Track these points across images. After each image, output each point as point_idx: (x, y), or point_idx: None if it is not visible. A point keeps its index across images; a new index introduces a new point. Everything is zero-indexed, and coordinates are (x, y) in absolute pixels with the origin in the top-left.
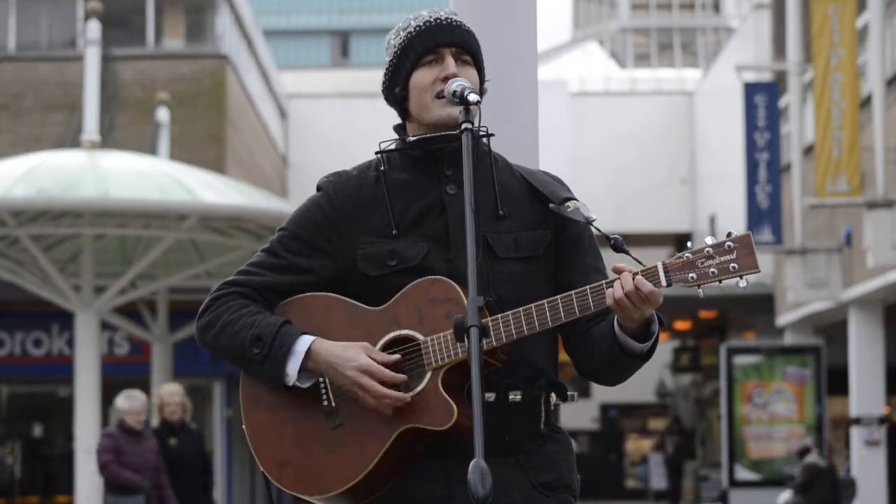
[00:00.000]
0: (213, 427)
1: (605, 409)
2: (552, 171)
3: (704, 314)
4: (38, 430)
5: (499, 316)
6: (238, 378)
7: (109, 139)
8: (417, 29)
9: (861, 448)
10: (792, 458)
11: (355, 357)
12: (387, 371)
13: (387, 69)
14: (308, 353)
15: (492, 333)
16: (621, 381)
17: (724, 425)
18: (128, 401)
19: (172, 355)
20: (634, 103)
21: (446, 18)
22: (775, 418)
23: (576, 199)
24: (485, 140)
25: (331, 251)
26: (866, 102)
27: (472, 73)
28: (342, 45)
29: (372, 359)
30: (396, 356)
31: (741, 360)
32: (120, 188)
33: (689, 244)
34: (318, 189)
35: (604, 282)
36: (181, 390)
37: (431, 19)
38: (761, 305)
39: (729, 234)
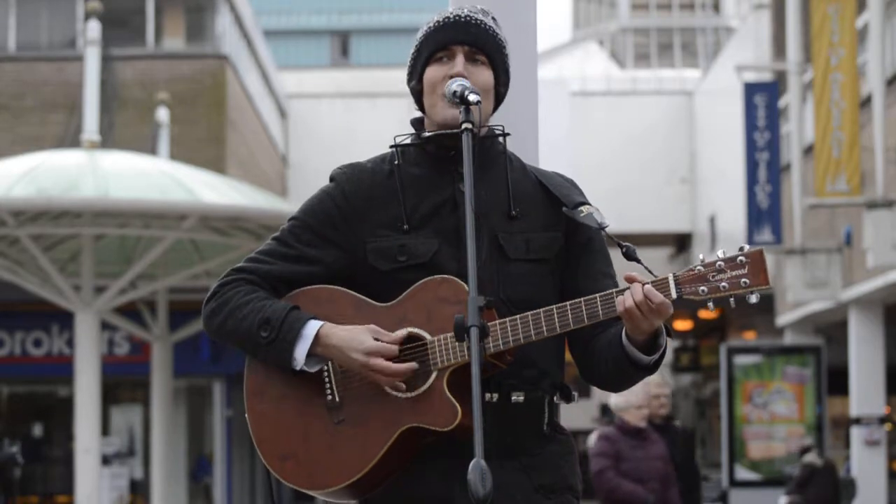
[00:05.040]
0: (213, 427)
1: (606, 409)
2: (554, 171)
3: (704, 314)
4: (38, 430)
5: (506, 320)
6: (239, 377)
7: (109, 139)
8: (436, 25)
9: (861, 448)
10: (793, 458)
11: (363, 340)
12: (394, 347)
13: (409, 63)
14: (317, 337)
15: (499, 337)
16: (624, 388)
17: (724, 425)
18: (623, 395)
19: (172, 355)
20: (634, 103)
21: (465, 16)
22: (775, 418)
23: (589, 204)
24: (500, 139)
25: (341, 243)
26: (866, 102)
27: (485, 72)
28: (342, 45)
29: (378, 340)
30: (403, 331)
31: (741, 360)
32: (120, 188)
33: (700, 256)
34: (332, 180)
35: (614, 290)
36: (667, 382)
37: (451, 16)
38: (761, 305)
39: (741, 249)
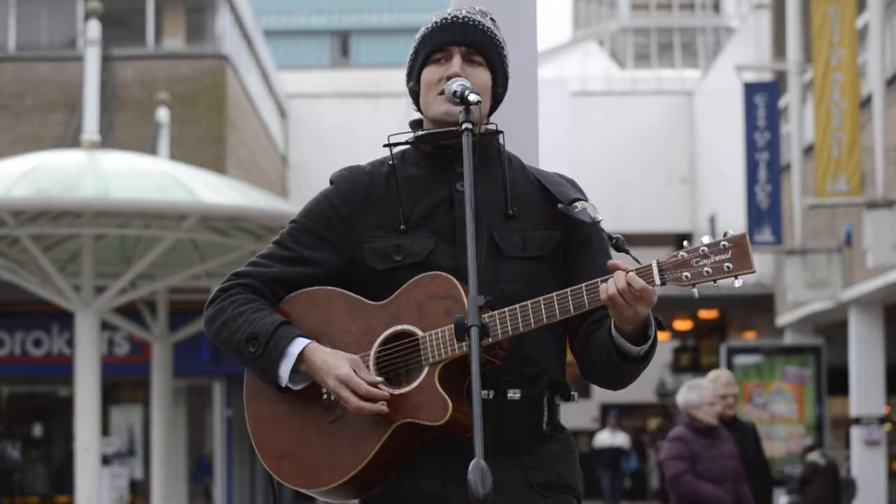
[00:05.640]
0: (213, 427)
1: (606, 409)
2: (554, 171)
3: (704, 314)
4: (38, 430)
5: (495, 312)
6: (239, 377)
7: (109, 139)
8: (433, 26)
9: (861, 448)
10: (793, 458)
11: (337, 366)
12: (363, 384)
13: (407, 64)
14: (300, 356)
15: (488, 329)
16: (622, 385)
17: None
18: (695, 391)
19: (172, 355)
20: (634, 103)
21: (463, 17)
22: (775, 418)
23: (584, 200)
24: (499, 139)
25: (339, 244)
26: (866, 102)
27: (482, 73)
28: (342, 45)
29: (356, 372)
30: (379, 379)
31: (741, 360)
32: (120, 188)
33: (685, 244)
34: (331, 182)
35: (599, 279)
36: (734, 378)
37: (449, 17)
38: (761, 305)
39: (725, 234)
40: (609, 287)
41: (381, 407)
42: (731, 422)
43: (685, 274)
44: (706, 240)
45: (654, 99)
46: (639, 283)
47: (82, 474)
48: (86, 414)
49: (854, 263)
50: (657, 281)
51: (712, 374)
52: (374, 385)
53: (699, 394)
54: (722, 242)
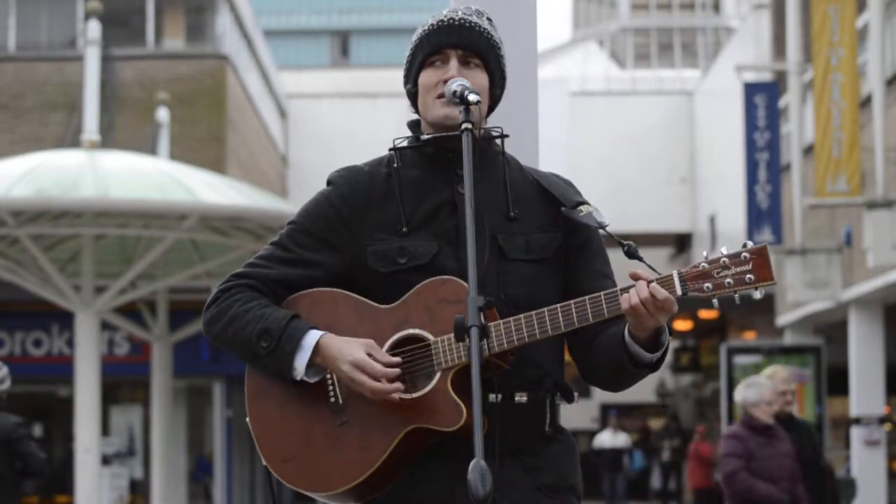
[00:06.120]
0: (213, 427)
1: (605, 409)
2: (552, 171)
3: (704, 314)
4: (38, 430)
5: (510, 319)
6: (239, 378)
7: (109, 139)
8: (429, 28)
9: (861, 448)
10: None
11: (351, 352)
12: (377, 366)
13: (405, 66)
14: (316, 347)
15: (503, 336)
16: (625, 388)
17: (724, 425)
18: (754, 389)
19: (172, 355)
20: (634, 103)
21: (459, 19)
22: None
23: (588, 204)
24: (498, 141)
25: (339, 246)
26: (866, 102)
27: (480, 75)
28: (342, 45)
29: (371, 356)
30: (397, 359)
31: (741, 360)
32: (120, 188)
33: (705, 254)
34: (329, 183)
35: (618, 288)
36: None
37: (445, 19)
38: (761, 305)
39: (745, 245)
40: (632, 297)
41: (398, 385)
42: (787, 420)
43: (706, 285)
44: (726, 250)
45: (654, 99)
46: (662, 293)
47: (82, 474)
48: (86, 414)
49: (854, 263)
50: (679, 291)
51: (769, 370)
52: (392, 366)
53: (758, 391)
54: (743, 254)
